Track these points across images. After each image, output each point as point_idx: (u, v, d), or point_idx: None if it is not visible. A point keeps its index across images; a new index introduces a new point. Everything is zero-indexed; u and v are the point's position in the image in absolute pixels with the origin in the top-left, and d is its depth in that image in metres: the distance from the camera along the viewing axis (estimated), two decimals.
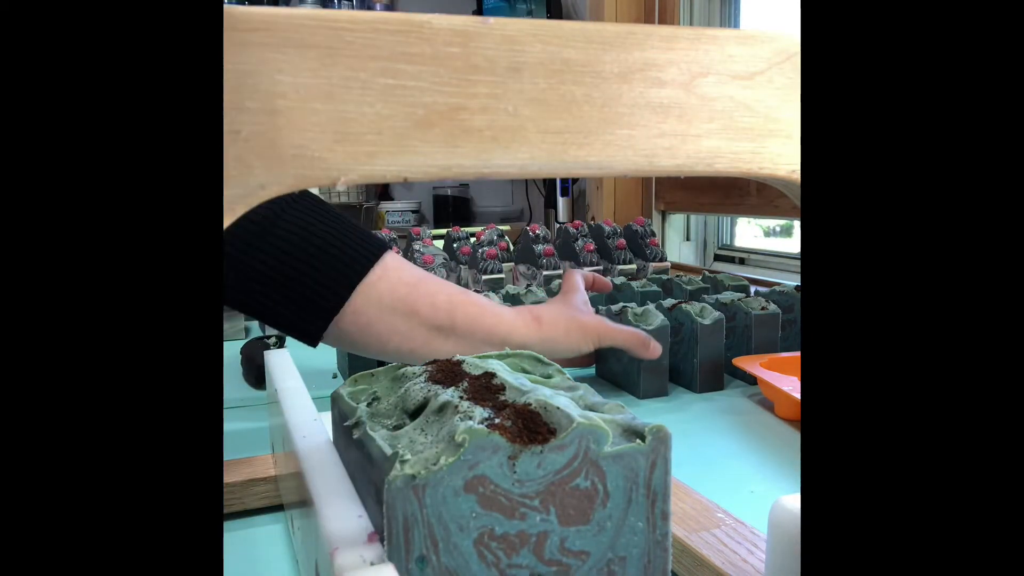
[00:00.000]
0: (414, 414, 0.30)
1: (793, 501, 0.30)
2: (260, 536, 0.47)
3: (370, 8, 1.61)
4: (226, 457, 0.52)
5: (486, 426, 0.26)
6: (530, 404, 0.28)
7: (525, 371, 0.35)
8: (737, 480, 0.54)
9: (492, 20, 0.23)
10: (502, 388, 0.30)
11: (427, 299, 0.56)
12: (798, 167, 0.26)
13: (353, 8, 1.58)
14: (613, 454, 0.27)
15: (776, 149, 0.26)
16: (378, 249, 0.56)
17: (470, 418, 0.27)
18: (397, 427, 0.30)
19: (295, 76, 0.21)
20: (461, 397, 0.29)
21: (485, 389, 0.30)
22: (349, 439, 0.31)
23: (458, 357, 0.34)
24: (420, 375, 0.33)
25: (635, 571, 0.28)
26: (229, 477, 0.49)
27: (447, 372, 0.33)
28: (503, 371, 0.32)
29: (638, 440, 0.28)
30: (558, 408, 0.27)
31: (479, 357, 0.35)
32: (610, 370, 0.78)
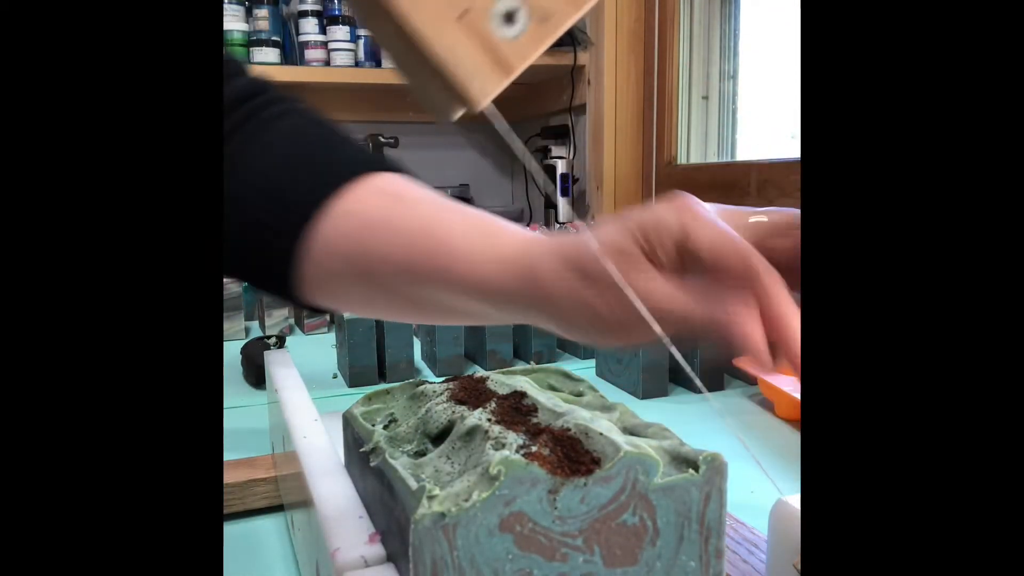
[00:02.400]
0: (437, 438, 0.28)
1: (793, 501, 0.30)
2: (260, 536, 0.47)
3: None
4: (226, 457, 0.52)
5: (523, 455, 0.23)
6: (569, 429, 0.25)
7: (553, 388, 0.32)
8: (737, 480, 0.54)
9: None
10: (533, 409, 0.28)
11: (382, 251, 0.37)
12: None
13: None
14: (664, 486, 0.24)
15: None
16: (339, 174, 0.39)
17: (503, 445, 0.24)
18: (419, 453, 0.27)
19: None
20: (490, 420, 0.26)
21: (515, 411, 0.28)
22: (365, 465, 0.28)
23: (481, 373, 0.32)
24: (441, 393, 0.30)
25: None
26: (229, 477, 0.49)
27: (471, 391, 0.30)
28: (532, 389, 0.29)
29: (690, 470, 0.25)
30: (601, 434, 0.25)
31: (503, 373, 0.32)
32: (609, 370, 0.78)
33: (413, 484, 0.24)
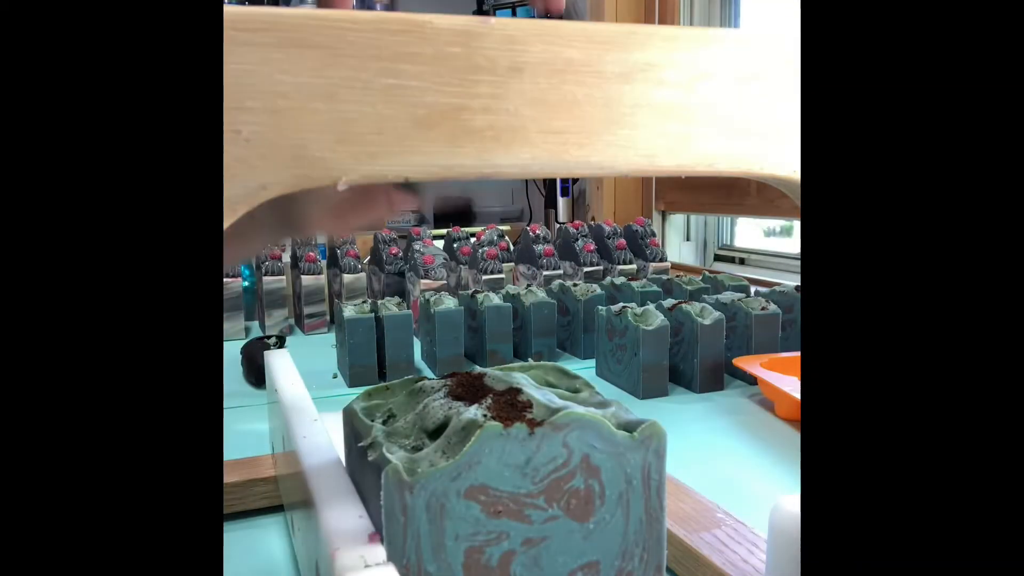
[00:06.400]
0: (434, 433, 0.28)
1: (793, 501, 0.30)
2: (260, 536, 0.47)
3: (371, 8, 1.61)
4: (226, 457, 0.52)
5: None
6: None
7: (550, 384, 0.33)
8: (737, 480, 0.54)
9: (493, 20, 0.23)
10: (528, 405, 0.28)
11: None
12: (798, 167, 0.26)
13: (354, 8, 1.59)
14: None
15: (777, 149, 0.26)
16: None
17: None
18: (416, 448, 0.28)
19: (296, 76, 0.21)
20: (486, 416, 0.27)
21: (510, 406, 0.28)
22: (364, 460, 0.28)
23: (479, 370, 0.32)
24: (439, 390, 0.31)
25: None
26: (229, 477, 0.49)
27: (468, 387, 0.31)
28: (529, 386, 0.30)
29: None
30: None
31: (501, 370, 0.32)
32: (609, 370, 0.78)
33: (407, 479, 0.25)
